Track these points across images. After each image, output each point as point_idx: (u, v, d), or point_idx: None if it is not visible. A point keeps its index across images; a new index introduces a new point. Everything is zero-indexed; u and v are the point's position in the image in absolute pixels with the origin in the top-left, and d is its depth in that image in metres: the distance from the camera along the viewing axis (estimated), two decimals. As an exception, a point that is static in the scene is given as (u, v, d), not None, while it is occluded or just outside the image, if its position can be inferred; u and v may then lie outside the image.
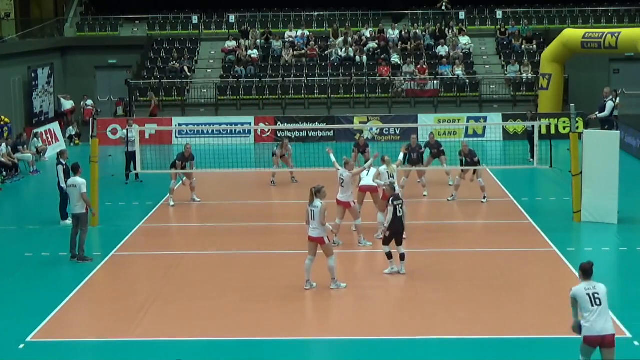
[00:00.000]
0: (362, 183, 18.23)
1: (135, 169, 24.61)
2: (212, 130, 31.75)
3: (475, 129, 31.99)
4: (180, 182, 22.15)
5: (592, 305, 10.18)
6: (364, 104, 34.71)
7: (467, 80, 34.89)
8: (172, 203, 21.63)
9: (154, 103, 33.90)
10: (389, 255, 15.41)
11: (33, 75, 34.84)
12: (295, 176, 24.01)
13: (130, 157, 24.71)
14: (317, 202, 14.53)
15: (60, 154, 20.16)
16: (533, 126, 25.91)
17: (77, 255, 16.82)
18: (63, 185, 19.20)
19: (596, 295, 10.23)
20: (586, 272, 10.42)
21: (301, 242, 18.23)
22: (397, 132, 32.35)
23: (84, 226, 16.93)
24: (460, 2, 40.11)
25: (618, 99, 30.76)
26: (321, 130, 32.44)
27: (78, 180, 17.08)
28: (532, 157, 26.41)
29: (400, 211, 15.22)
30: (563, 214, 19.95)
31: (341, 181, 17.28)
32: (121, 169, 25.36)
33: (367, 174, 18.05)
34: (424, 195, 21.92)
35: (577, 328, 10.28)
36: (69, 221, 19.31)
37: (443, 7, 39.43)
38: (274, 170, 23.89)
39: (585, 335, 10.20)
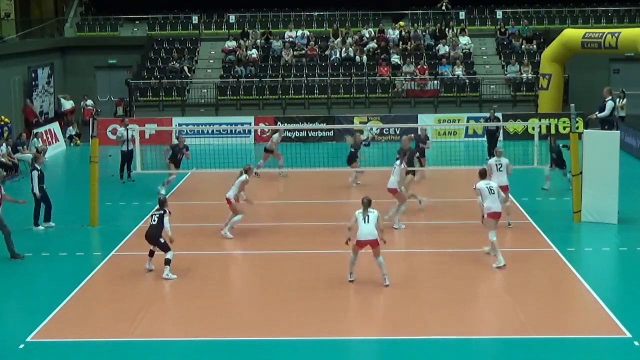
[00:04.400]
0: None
1: (129, 168, 24.67)
2: (212, 130, 31.74)
3: (475, 129, 31.98)
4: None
5: (490, 193, 16.10)
6: (364, 104, 34.70)
7: (467, 80, 34.88)
8: (162, 192, 21.90)
9: (31, 107, 33.19)
10: (150, 254, 16.04)
11: (33, 75, 34.83)
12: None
13: (125, 156, 24.83)
14: (373, 209, 15.00)
15: (35, 159, 20.16)
16: (497, 127, 27.48)
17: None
18: (36, 191, 19.27)
19: (491, 188, 16.21)
20: (482, 175, 16.68)
21: (301, 242, 18.29)
22: (397, 132, 32.33)
23: (2, 227, 17.00)
24: (460, 2, 40.10)
25: (625, 99, 30.80)
26: (321, 130, 32.43)
27: None
28: (490, 154, 26.80)
29: (154, 220, 15.77)
30: (563, 214, 19.96)
31: (499, 166, 18.86)
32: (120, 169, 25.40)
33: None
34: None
35: (481, 208, 16.29)
36: (42, 227, 19.39)
37: (443, 7, 39.44)
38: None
39: (488, 212, 16.02)
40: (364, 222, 14.89)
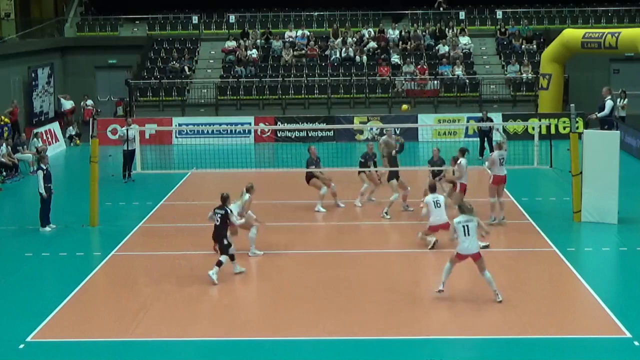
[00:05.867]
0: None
1: (129, 168, 24.67)
2: (212, 130, 31.74)
3: (475, 129, 31.94)
4: (326, 189, 21.01)
5: (435, 207, 16.76)
6: (364, 104, 34.70)
7: (467, 80, 34.88)
8: (322, 209, 20.86)
9: (15, 107, 32.70)
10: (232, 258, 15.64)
11: (33, 75, 34.85)
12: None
13: (127, 156, 24.84)
14: (472, 217, 14.06)
15: (41, 159, 20.09)
16: (490, 127, 27.71)
17: None
18: (42, 191, 19.17)
19: (438, 202, 16.79)
20: (431, 189, 17.08)
21: (300, 242, 18.29)
22: (397, 132, 32.27)
23: None
24: (460, 2, 40.10)
25: (626, 100, 30.81)
26: (321, 130, 32.43)
27: None
28: (482, 155, 26.98)
29: (217, 220, 15.43)
30: (563, 214, 19.95)
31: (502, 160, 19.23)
32: (121, 168, 25.37)
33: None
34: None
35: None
36: (49, 228, 19.32)
37: (440, 4, 39.52)
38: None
39: (431, 225, 16.93)
40: (465, 234, 13.80)
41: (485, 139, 28.37)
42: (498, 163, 19.09)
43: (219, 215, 15.53)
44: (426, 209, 17.06)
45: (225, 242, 15.51)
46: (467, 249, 13.90)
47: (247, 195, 16.94)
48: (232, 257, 15.67)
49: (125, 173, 25.11)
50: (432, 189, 17.16)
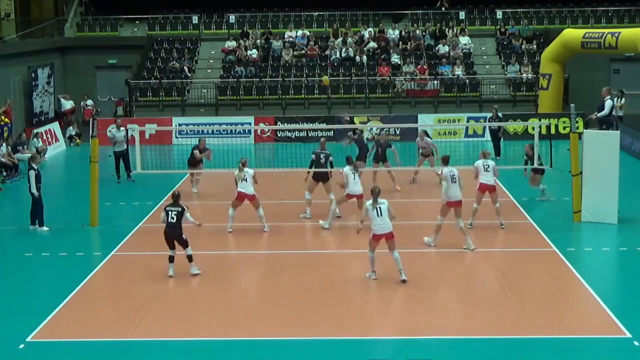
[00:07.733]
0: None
1: (127, 168, 24.70)
2: (212, 130, 31.74)
3: (475, 129, 31.98)
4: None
5: (452, 182, 16.98)
6: (364, 104, 34.71)
7: (467, 80, 34.89)
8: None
9: (8, 107, 32.51)
10: (170, 259, 15.65)
11: (33, 75, 34.85)
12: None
13: (119, 157, 24.89)
14: (382, 200, 14.94)
15: (32, 159, 20.04)
16: (498, 127, 28.06)
17: None
18: (34, 191, 19.15)
19: (454, 176, 17.05)
20: (445, 161, 17.50)
21: (300, 242, 18.29)
22: (397, 132, 32.35)
23: None
24: (460, 2, 40.12)
25: (624, 99, 30.82)
26: (321, 130, 32.39)
27: None
28: (498, 154, 27.48)
29: (172, 217, 15.35)
30: (563, 214, 19.96)
31: (486, 167, 18.99)
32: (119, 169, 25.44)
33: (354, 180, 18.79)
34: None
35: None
36: (46, 228, 19.31)
37: (442, 3, 39.49)
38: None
39: (447, 200, 16.99)
40: (377, 214, 14.74)
41: (495, 138, 28.40)
42: (482, 170, 18.77)
43: (175, 212, 15.50)
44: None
45: (184, 237, 15.57)
46: (383, 229, 14.79)
47: (251, 170, 18.78)
48: (190, 258, 15.66)
49: (118, 174, 25.16)
50: (445, 161, 17.53)
